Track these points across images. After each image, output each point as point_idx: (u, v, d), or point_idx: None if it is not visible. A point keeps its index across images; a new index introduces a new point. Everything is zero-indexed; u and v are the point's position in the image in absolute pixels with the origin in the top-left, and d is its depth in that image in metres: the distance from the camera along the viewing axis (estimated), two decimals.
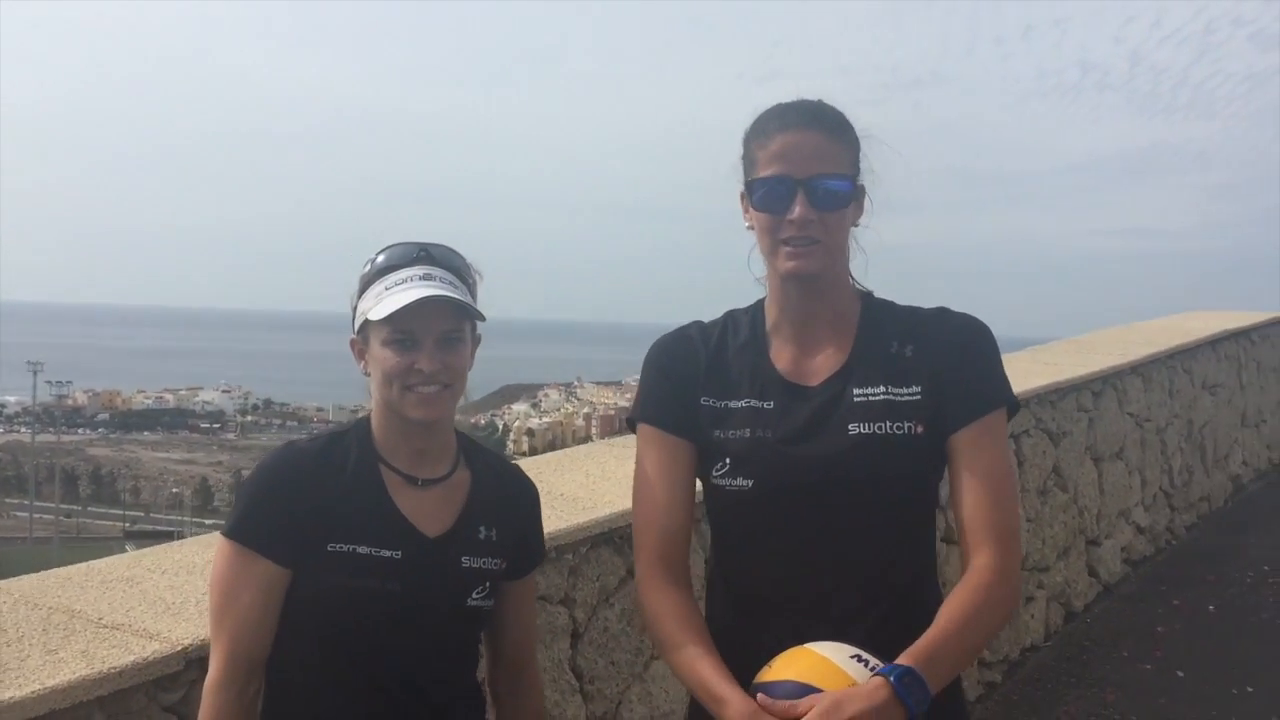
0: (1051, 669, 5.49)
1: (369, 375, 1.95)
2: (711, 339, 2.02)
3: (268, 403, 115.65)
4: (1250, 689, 5.21)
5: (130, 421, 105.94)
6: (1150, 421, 7.44)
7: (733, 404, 1.95)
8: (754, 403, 1.94)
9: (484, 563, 1.97)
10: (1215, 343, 8.83)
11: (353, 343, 1.97)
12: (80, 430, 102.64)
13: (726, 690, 1.76)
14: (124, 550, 2.79)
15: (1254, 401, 9.80)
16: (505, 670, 2.13)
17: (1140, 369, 7.26)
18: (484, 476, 2.04)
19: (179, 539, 3.24)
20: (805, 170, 1.85)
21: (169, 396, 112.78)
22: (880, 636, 1.80)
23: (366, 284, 1.94)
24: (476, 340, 2.00)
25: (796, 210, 1.85)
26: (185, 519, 67.83)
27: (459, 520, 1.97)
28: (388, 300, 1.86)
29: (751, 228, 1.95)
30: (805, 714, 1.63)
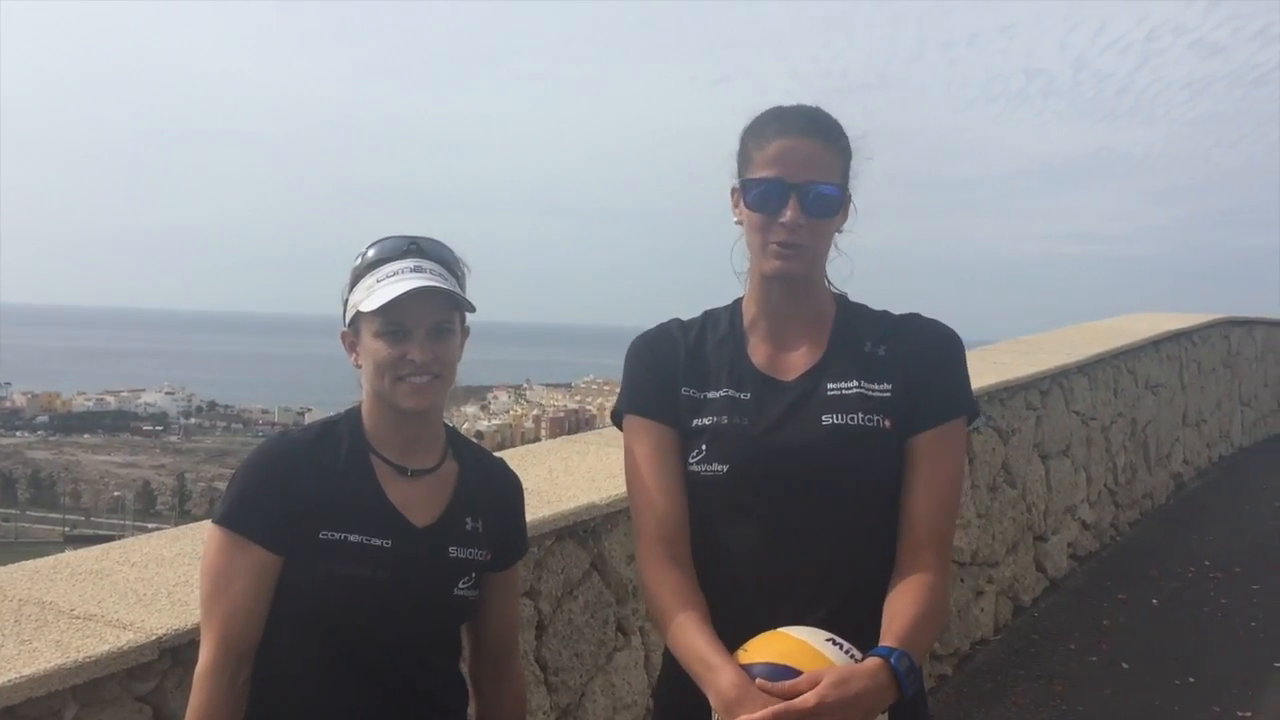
0: (1001, 662, 5.60)
1: (359, 368, 1.97)
2: (691, 333, 2.08)
3: (212, 405, 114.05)
4: (1192, 679, 5.36)
5: (70, 424, 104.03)
6: (1095, 420, 7.60)
7: (710, 394, 2.01)
8: (731, 393, 1.99)
9: (470, 553, 2.00)
10: (1158, 343, 9.03)
11: (344, 335, 1.99)
12: (19, 433, 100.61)
13: (719, 659, 1.80)
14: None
15: (1195, 401, 10.03)
16: (487, 659, 2.16)
17: (1086, 369, 7.42)
18: (471, 469, 2.07)
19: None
20: (800, 175, 1.91)
21: (110, 398, 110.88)
22: (838, 622, 1.86)
23: (357, 277, 1.96)
24: (466, 332, 2.03)
25: (788, 214, 1.91)
26: (127, 523, 66.72)
27: (447, 511, 2.00)
28: (379, 292, 1.88)
29: (740, 223, 2.01)
30: (805, 692, 1.69)
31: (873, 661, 1.75)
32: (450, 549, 1.97)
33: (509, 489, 2.15)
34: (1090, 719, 4.95)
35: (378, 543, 1.90)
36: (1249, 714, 4.95)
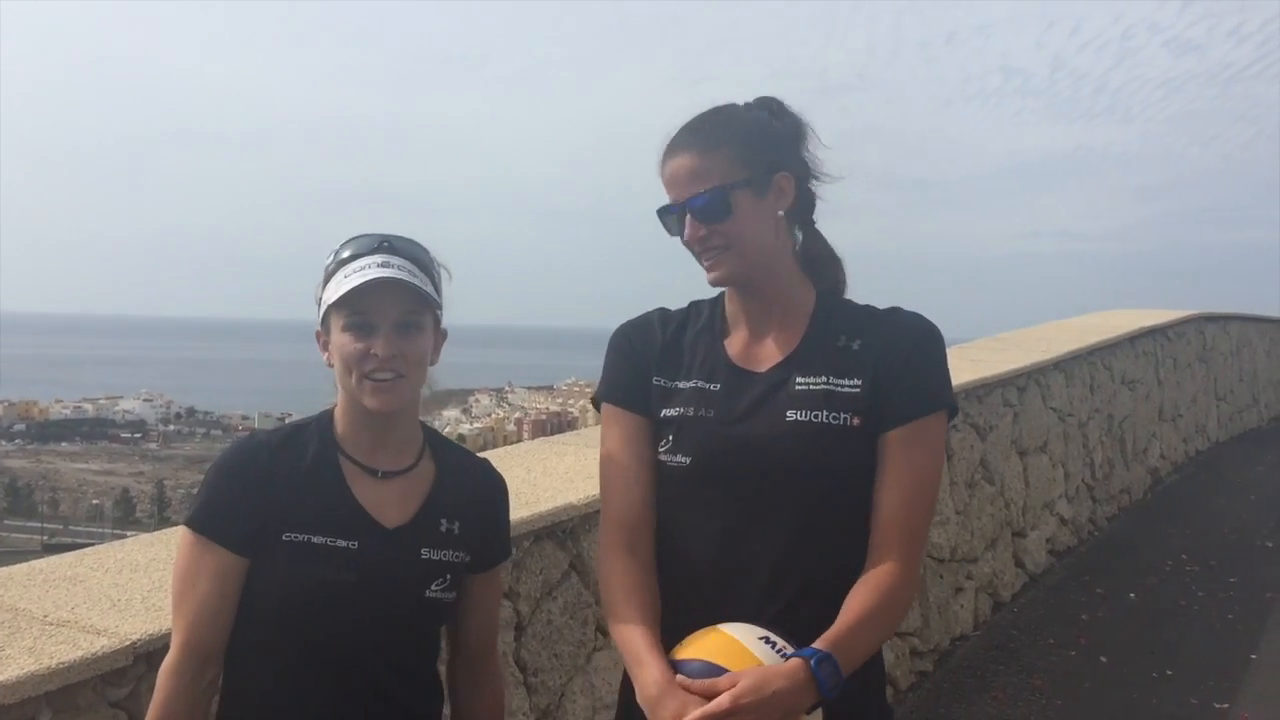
0: (981, 657, 5.63)
1: (332, 366, 1.96)
2: (671, 324, 2.09)
3: (191, 411, 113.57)
4: (1170, 672, 5.40)
5: (48, 432, 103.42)
6: (1072, 416, 7.65)
7: (681, 384, 2.02)
8: (701, 384, 2.00)
9: (444, 555, 1.97)
10: (1134, 340, 9.10)
11: (317, 334, 1.98)
12: None
13: (648, 656, 1.84)
14: None
15: (1171, 396, 10.11)
16: (464, 661, 2.14)
17: (1062, 365, 7.46)
18: (449, 470, 2.05)
19: None
20: (685, 193, 1.96)
21: (88, 406, 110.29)
22: (790, 620, 1.86)
23: (329, 275, 1.95)
24: (443, 334, 2.01)
25: (687, 232, 1.96)
26: (106, 531, 66.29)
27: (419, 513, 1.97)
28: (344, 285, 1.88)
29: None
30: (725, 690, 1.70)
31: (794, 662, 1.75)
32: (422, 551, 1.95)
33: (491, 491, 2.12)
34: (1069, 713, 4.98)
35: (343, 544, 1.88)
36: (1226, 706, 4.98)
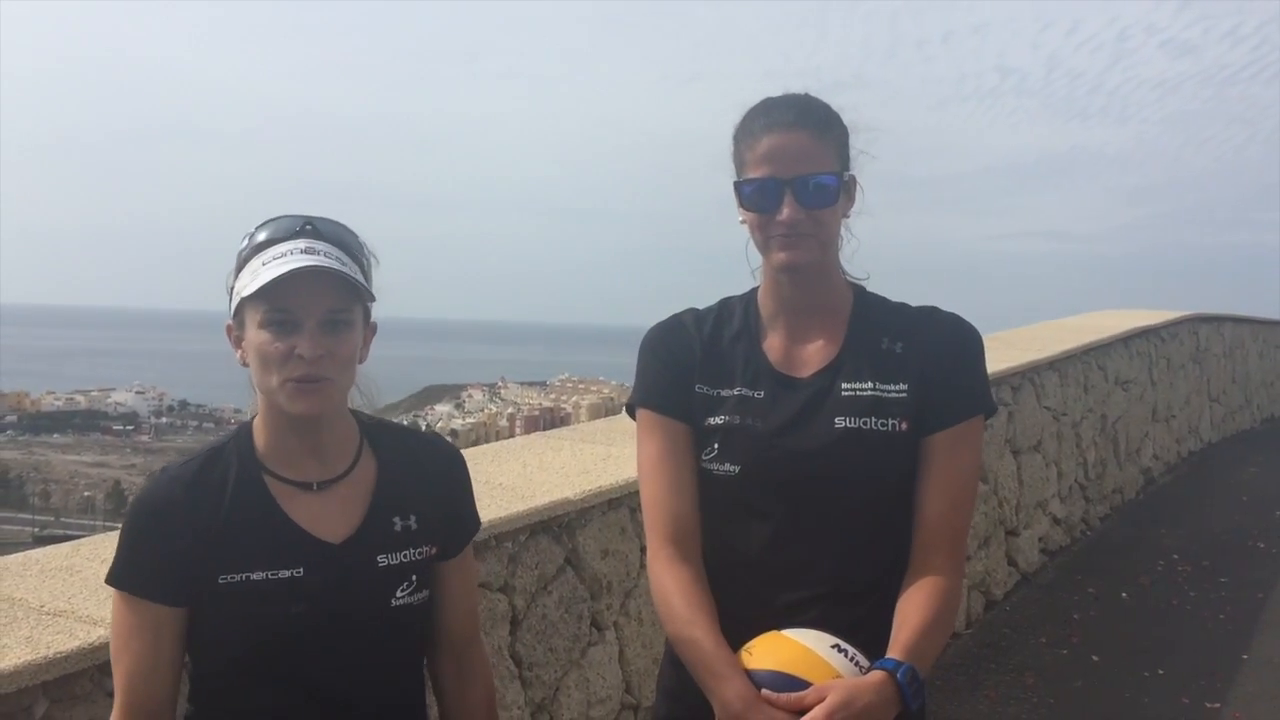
0: (973, 655, 5.64)
1: (248, 366, 1.74)
2: (706, 327, 2.05)
3: (183, 404, 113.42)
4: (1161, 671, 5.41)
5: (40, 423, 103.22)
6: (1066, 416, 7.66)
7: (724, 392, 1.99)
8: (745, 391, 1.97)
9: (406, 555, 1.80)
10: (1128, 340, 9.11)
11: (229, 329, 1.77)
12: None
13: (728, 670, 1.79)
14: None
15: (1164, 397, 10.12)
16: (446, 655, 1.97)
17: (1057, 364, 7.47)
18: (394, 462, 1.85)
19: None
20: (791, 170, 1.88)
21: (80, 398, 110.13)
22: (838, 624, 1.85)
23: (243, 261, 1.74)
24: (372, 328, 1.82)
25: (785, 212, 1.89)
26: (97, 523, 66.15)
27: (368, 518, 1.79)
28: (262, 275, 1.66)
29: (745, 223, 1.98)
30: (811, 705, 1.68)
31: (877, 675, 1.74)
32: (379, 559, 1.77)
33: (444, 469, 1.93)
34: (1061, 711, 4.99)
35: (287, 574, 1.70)
36: (1218, 705, 5.00)
